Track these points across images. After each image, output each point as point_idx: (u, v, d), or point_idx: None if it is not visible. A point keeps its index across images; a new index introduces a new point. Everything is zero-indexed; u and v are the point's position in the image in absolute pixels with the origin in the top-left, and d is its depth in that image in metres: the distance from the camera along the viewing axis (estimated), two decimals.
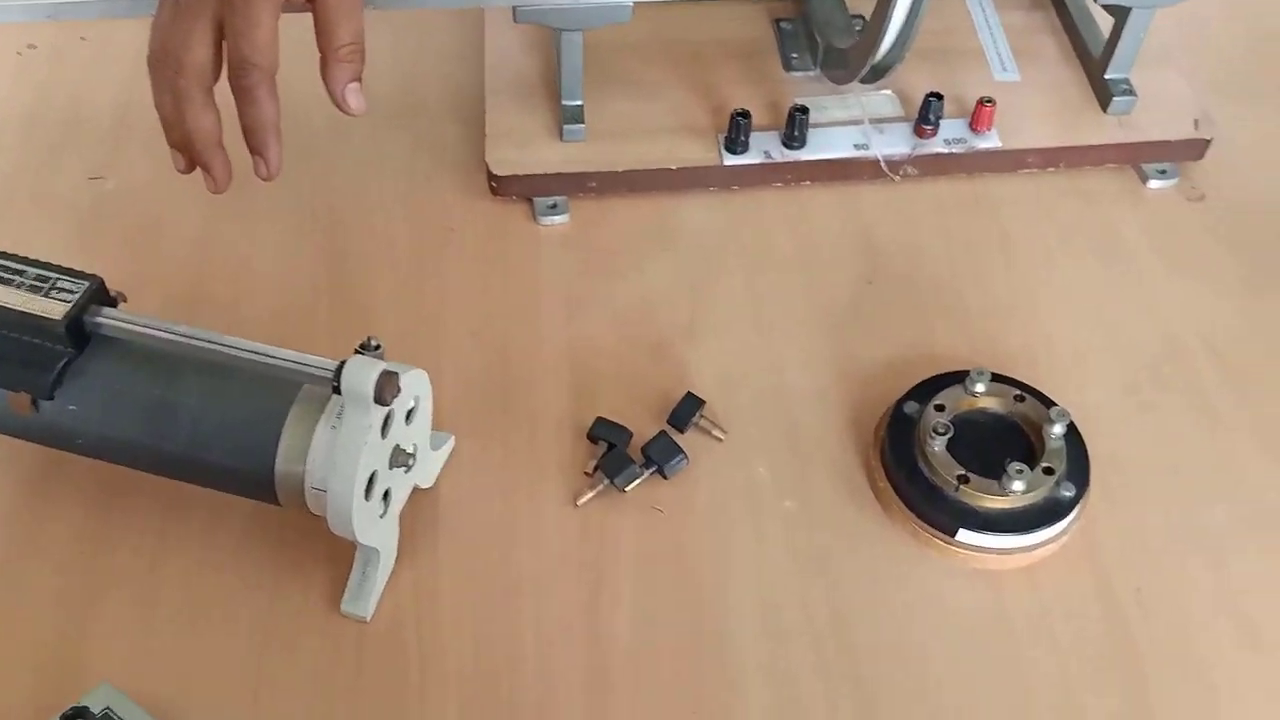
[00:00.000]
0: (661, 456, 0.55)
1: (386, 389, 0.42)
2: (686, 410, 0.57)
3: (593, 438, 0.56)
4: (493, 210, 0.68)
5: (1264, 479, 0.55)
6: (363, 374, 0.42)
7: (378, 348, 0.47)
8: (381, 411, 0.44)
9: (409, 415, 0.48)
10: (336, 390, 0.42)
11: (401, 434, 0.47)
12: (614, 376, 0.59)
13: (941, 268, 0.65)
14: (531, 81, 0.71)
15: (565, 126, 0.67)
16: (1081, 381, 0.59)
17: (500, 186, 0.67)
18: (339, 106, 0.55)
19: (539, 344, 0.61)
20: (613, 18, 0.63)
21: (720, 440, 0.57)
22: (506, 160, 0.67)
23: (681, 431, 0.57)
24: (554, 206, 0.67)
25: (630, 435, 0.56)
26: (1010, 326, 0.62)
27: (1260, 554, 0.53)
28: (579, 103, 0.68)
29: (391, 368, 0.44)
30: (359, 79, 0.55)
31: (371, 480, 0.45)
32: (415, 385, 0.48)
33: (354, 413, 0.43)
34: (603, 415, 0.56)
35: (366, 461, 0.44)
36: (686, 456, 0.55)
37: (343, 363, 0.42)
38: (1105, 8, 0.68)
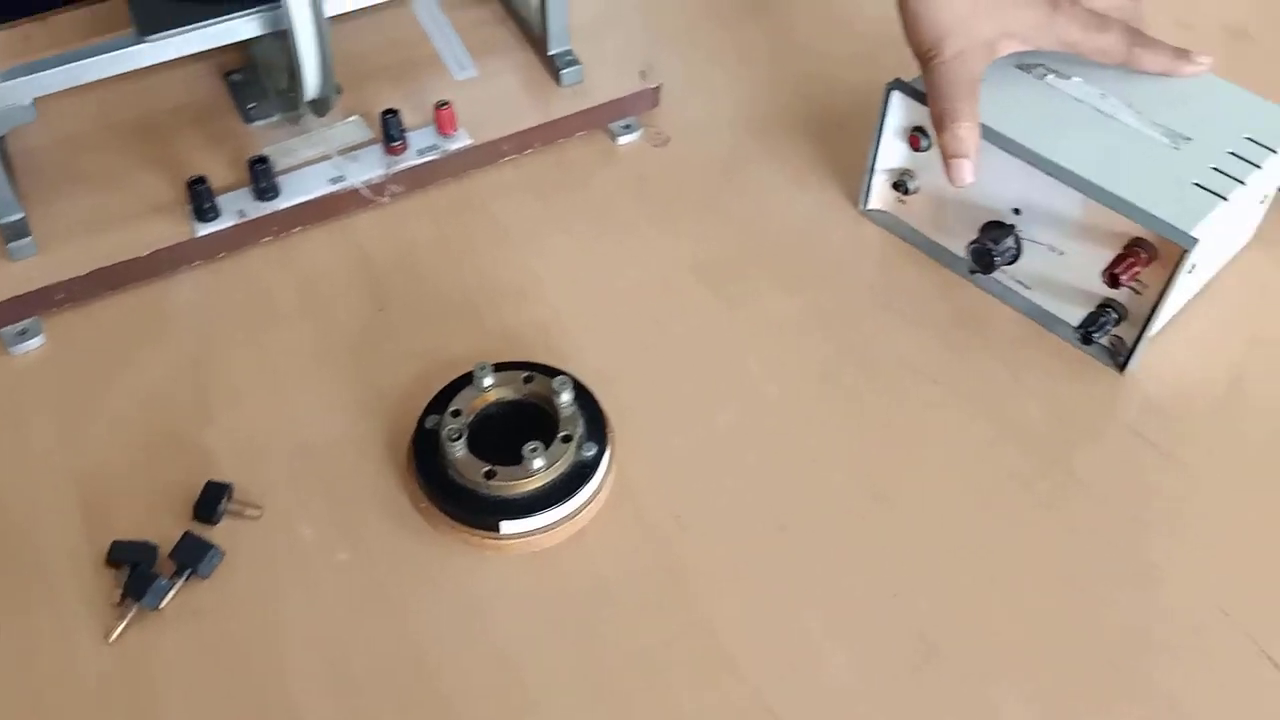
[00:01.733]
0: (191, 559, 0.52)
1: None
2: (210, 500, 0.54)
3: (114, 563, 0.52)
4: None
5: (759, 373, 0.60)
6: None
7: None
8: None
9: None
10: None
11: None
12: (128, 490, 0.56)
13: (447, 273, 0.66)
14: None
15: (9, 245, 0.63)
16: (592, 342, 0.62)
17: None
18: None
19: (36, 481, 0.56)
20: (15, 120, 0.59)
21: (256, 518, 0.55)
22: None
23: (213, 523, 0.54)
24: (24, 332, 0.62)
25: (155, 548, 0.53)
26: (521, 311, 0.64)
27: (772, 443, 0.57)
28: (18, 216, 0.63)
29: None
30: None
31: None
32: None
33: None
34: (120, 536, 0.53)
35: None
36: (219, 550, 0.53)
37: None
38: None
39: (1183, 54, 0.61)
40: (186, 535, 0.53)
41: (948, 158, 0.58)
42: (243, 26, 0.62)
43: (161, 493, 0.55)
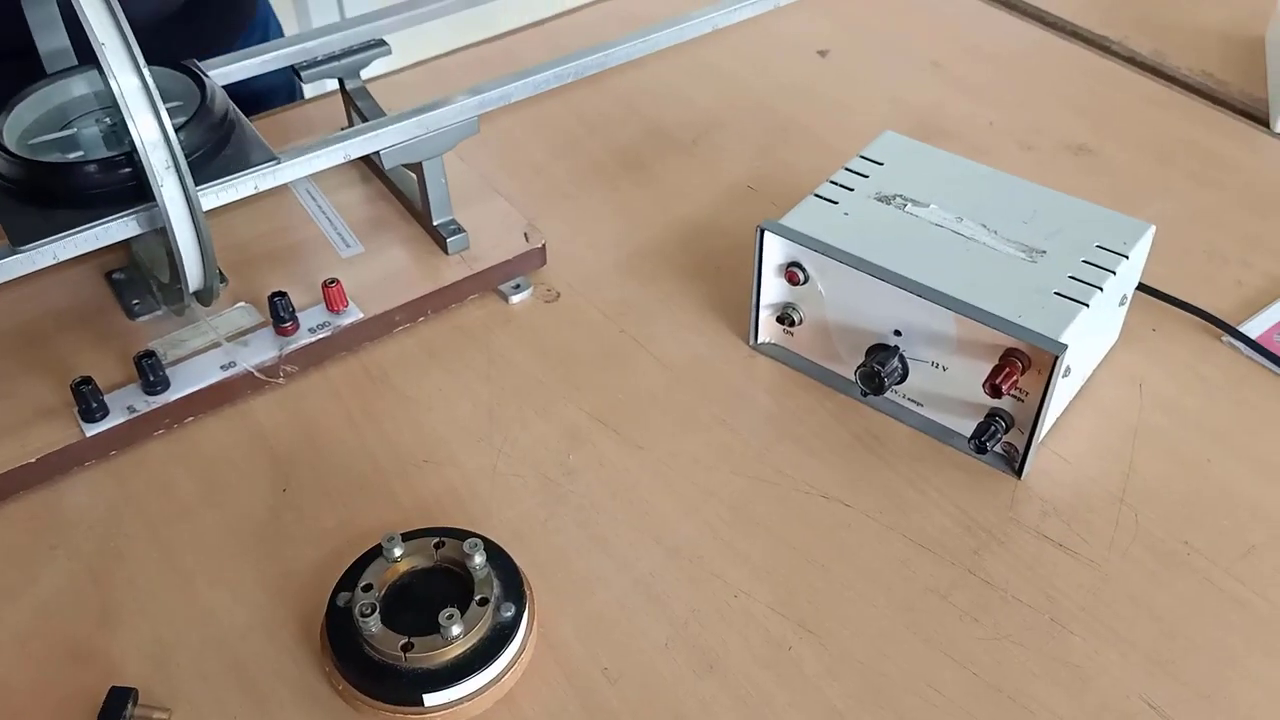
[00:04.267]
0: None
1: None
2: (114, 708, 0.52)
3: None
4: None
5: (673, 514, 0.61)
6: None
7: None
8: None
9: None
10: None
11: None
12: (30, 707, 0.53)
13: (351, 446, 0.66)
14: None
15: None
16: (504, 501, 0.62)
17: None
18: None
19: None
20: None
21: None
22: None
23: None
24: None
25: None
26: (429, 477, 0.64)
27: (690, 581, 0.58)
28: None
29: None
30: None
31: None
32: None
33: None
34: None
35: None
36: None
37: None
38: (404, 167, 0.74)
39: None
40: None
41: None
42: (118, 229, 0.61)
43: (64, 707, 0.53)
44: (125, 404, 0.65)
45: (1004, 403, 0.60)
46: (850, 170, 0.69)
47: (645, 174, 0.86)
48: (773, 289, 0.67)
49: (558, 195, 0.84)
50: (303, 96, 0.95)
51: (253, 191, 0.64)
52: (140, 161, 0.57)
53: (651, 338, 0.72)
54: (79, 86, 0.70)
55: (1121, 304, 0.66)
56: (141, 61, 0.55)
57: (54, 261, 0.60)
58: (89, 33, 0.54)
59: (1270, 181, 0.83)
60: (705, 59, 0.98)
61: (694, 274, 0.77)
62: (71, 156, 0.64)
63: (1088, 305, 0.59)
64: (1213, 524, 0.59)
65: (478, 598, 0.53)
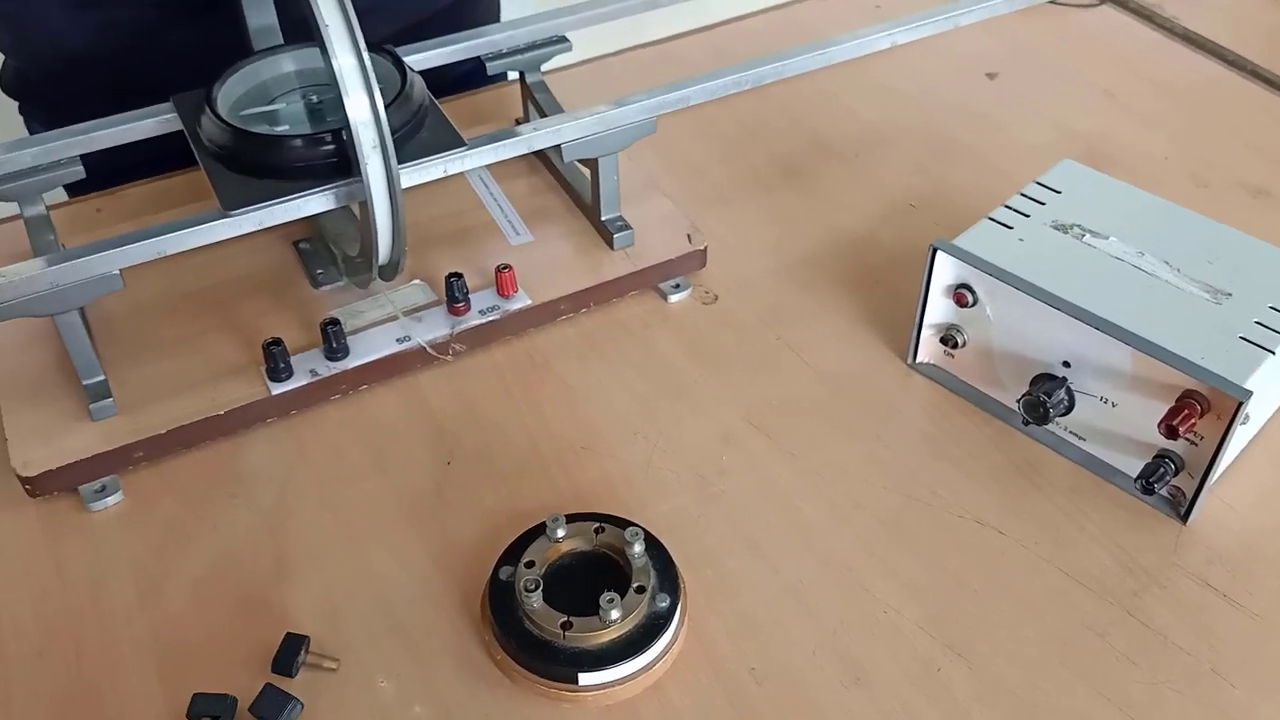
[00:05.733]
0: (271, 711, 0.52)
1: None
2: (289, 652, 0.55)
3: (194, 717, 0.52)
4: (39, 513, 0.63)
5: (826, 523, 0.61)
6: None
7: None
8: None
9: None
10: None
11: None
12: (207, 645, 0.56)
13: (511, 426, 0.68)
14: (46, 370, 0.68)
15: (92, 406, 0.64)
16: (656, 494, 0.63)
17: (36, 487, 0.62)
18: None
19: (114, 639, 0.56)
20: (104, 289, 0.62)
21: (334, 670, 0.55)
22: (34, 459, 0.62)
23: (291, 675, 0.55)
24: (102, 489, 0.63)
25: (234, 701, 0.53)
26: (585, 463, 0.65)
27: (839, 591, 0.58)
28: (100, 378, 0.65)
29: None
30: None
31: None
32: None
33: None
34: (200, 690, 0.53)
35: None
36: (299, 701, 0.53)
37: None
38: (579, 161, 0.76)
39: None
40: (267, 687, 0.53)
41: None
42: (320, 201, 0.64)
43: (239, 648, 0.56)
44: (308, 367, 0.68)
45: (1176, 445, 0.59)
46: (1026, 196, 0.69)
47: (805, 183, 0.87)
48: (939, 309, 0.67)
49: (717, 198, 0.85)
50: (477, 86, 0.98)
51: (442, 175, 0.67)
52: (349, 139, 0.59)
53: (806, 346, 0.73)
54: (283, 64, 0.74)
55: None
56: (362, 44, 0.58)
57: (257, 228, 0.63)
58: (315, 13, 0.57)
59: None
60: (870, 73, 0.98)
61: (852, 287, 0.77)
62: (277, 130, 0.67)
63: (1274, 353, 0.57)
64: None
65: (635, 585, 0.55)
